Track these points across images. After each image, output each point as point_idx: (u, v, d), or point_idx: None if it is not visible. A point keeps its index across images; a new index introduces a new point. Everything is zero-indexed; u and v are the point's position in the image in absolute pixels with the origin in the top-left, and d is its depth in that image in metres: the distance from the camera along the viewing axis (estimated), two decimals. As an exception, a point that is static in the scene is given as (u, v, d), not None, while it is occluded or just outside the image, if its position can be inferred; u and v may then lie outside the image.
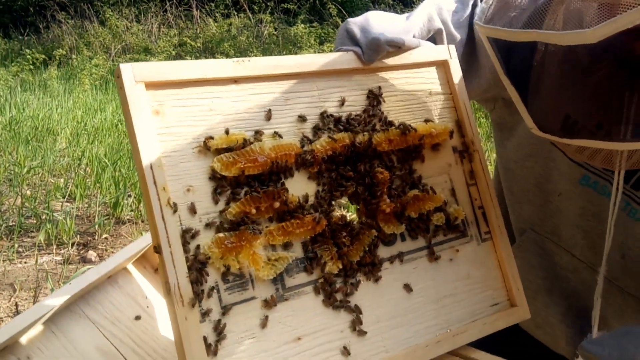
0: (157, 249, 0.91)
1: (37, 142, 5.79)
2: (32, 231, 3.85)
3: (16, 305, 2.99)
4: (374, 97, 1.15)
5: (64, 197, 4.40)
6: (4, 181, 4.74)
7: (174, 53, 10.73)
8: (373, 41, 1.11)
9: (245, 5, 11.86)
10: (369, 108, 1.14)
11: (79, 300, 1.26)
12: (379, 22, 1.15)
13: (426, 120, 1.20)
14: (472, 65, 1.35)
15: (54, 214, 3.90)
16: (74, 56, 10.65)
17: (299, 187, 1.05)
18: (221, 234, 0.95)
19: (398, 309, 1.10)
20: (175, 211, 0.93)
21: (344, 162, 1.09)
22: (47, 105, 7.65)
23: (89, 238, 3.81)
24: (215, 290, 0.94)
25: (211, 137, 0.98)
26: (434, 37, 1.27)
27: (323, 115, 1.09)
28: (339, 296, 1.04)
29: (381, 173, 1.11)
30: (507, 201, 1.50)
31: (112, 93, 8.61)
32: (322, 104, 1.10)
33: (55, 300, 1.19)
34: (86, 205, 4.28)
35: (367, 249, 1.08)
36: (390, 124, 1.15)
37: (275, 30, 11.56)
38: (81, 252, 3.63)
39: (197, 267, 0.92)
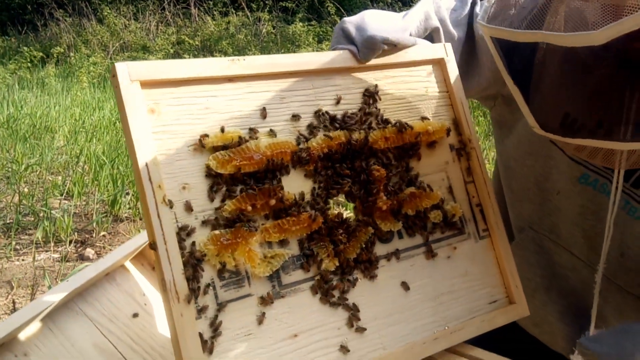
0: (153, 245, 0.91)
1: (35, 140, 5.78)
2: (30, 229, 3.85)
3: (13, 302, 2.98)
4: (370, 96, 1.15)
5: (61, 195, 4.40)
6: (1, 179, 4.74)
7: (172, 51, 10.72)
8: (368, 40, 1.11)
9: (243, 4, 11.85)
10: (364, 106, 1.14)
11: (76, 297, 1.26)
12: (375, 21, 1.15)
13: (422, 118, 1.20)
14: (472, 63, 1.35)
15: (52, 211, 3.90)
16: (71, 54, 10.64)
17: (296, 184, 1.05)
18: (217, 231, 0.96)
19: (395, 306, 1.10)
20: (171, 207, 0.93)
21: (340, 159, 1.09)
22: (45, 103, 7.64)
23: (87, 236, 3.80)
24: (211, 287, 0.94)
25: (206, 135, 0.98)
26: (431, 36, 1.27)
27: (318, 114, 1.09)
28: (335, 293, 1.05)
29: (377, 170, 1.11)
30: (506, 199, 1.50)
31: (110, 91, 8.59)
32: (318, 102, 1.10)
33: (52, 298, 1.20)
34: (84, 203, 4.27)
35: (363, 246, 1.09)
36: (387, 121, 1.15)
37: (274, 29, 11.56)
38: (79, 249, 3.63)
39: (193, 263, 0.93)
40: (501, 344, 1.25)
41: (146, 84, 0.95)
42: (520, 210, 1.47)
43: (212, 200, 0.97)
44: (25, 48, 10.48)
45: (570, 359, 1.35)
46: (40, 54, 10.43)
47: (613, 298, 1.36)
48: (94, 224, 3.87)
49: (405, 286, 1.12)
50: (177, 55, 10.47)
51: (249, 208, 0.98)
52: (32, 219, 3.97)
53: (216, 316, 0.93)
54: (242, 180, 1.00)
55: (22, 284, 3.18)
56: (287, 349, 0.98)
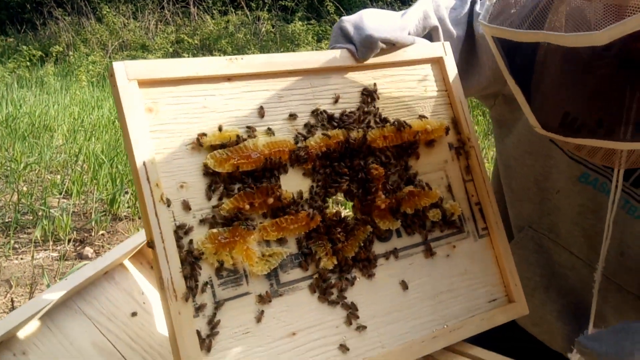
0: (151, 244, 0.91)
1: (34, 139, 5.78)
2: (29, 227, 3.85)
3: (12, 301, 2.99)
4: (368, 94, 1.15)
5: (60, 194, 4.40)
6: (0, 177, 4.74)
7: (171, 50, 10.72)
8: (367, 39, 1.11)
9: (242, 3, 11.85)
10: (363, 105, 1.14)
11: (75, 296, 1.26)
12: (373, 20, 1.15)
13: (421, 117, 1.20)
14: (471, 62, 1.35)
15: (51, 210, 3.90)
16: (70, 53, 10.63)
17: (294, 183, 1.05)
18: (215, 230, 0.96)
19: (394, 305, 1.10)
20: (168, 206, 0.93)
21: (339, 158, 1.09)
22: (44, 101, 7.64)
23: (86, 234, 3.80)
24: (209, 286, 0.94)
25: (204, 134, 0.98)
26: (430, 35, 1.27)
27: (316, 113, 1.09)
28: (334, 292, 1.05)
29: (376, 169, 1.11)
30: (506, 198, 1.50)
31: (109, 90, 8.55)
32: (316, 101, 1.10)
33: (51, 296, 1.20)
34: (83, 202, 4.27)
35: (362, 244, 1.08)
36: (385, 120, 1.15)
37: (273, 28, 11.56)
38: (77, 248, 3.63)
39: (191, 261, 0.93)
40: (500, 342, 1.25)
41: (144, 83, 0.95)
42: (519, 210, 1.47)
43: (209, 199, 0.97)
44: (24, 47, 10.48)
45: (569, 358, 1.35)
46: (39, 52, 10.43)
47: (612, 297, 1.36)
48: (93, 223, 3.87)
49: (404, 285, 1.12)
50: (176, 54, 10.47)
51: (247, 207, 0.98)
52: (31, 217, 3.97)
53: (214, 314, 0.93)
54: (240, 179, 1.00)
55: (20, 283, 3.18)
56: (285, 348, 0.98)
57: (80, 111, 7.22)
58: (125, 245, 1.30)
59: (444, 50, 1.24)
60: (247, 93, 1.04)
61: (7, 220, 3.89)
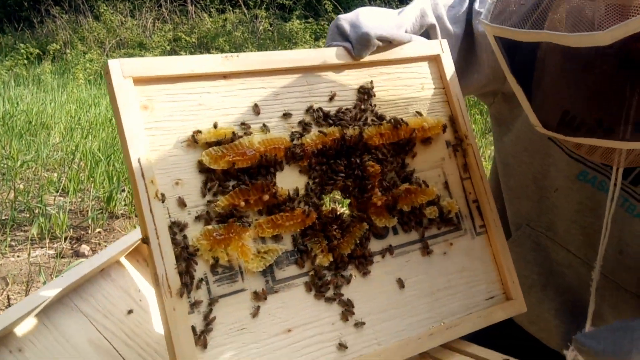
0: (146, 240, 0.91)
1: (31, 137, 5.78)
2: (25, 225, 3.84)
3: (8, 298, 2.98)
4: (365, 92, 1.15)
5: (57, 192, 4.39)
6: (-3, 175, 4.73)
7: (168, 48, 10.70)
8: (363, 36, 1.11)
9: (240, 1, 11.84)
10: (359, 103, 1.14)
11: (71, 293, 1.26)
12: (370, 18, 1.15)
13: (418, 114, 1.20)
14: (470, 60, 1.35)
15: (47, 208, 3.90)
16: (68, 51, 10.61)
17: (290, 180, 1.05)
18: (210, 226, 0.96)
19: (390, 302, 1.10)
20: (163, 201, 0.93)
21: (335, 156, 1.09)
22: (41, 99, 7.63)
23: (82, 232, 3.80)
24: (204, 282, 0.94)
25: (199, 131, 0.98)
26: (428, 33, 1.27)
27: (311, 110, 1.09)
28: (329, 289, 1.04)
29: (372, 166, 1.11)
30: (504, 196, 1.50)
31: (106, 88, 8.57)
32: (312, 99, 1.10)
33: (47, 293, 1.19)
34: (79, 200, 4.27)
35: (358, 242, 1.08)
36: (382, 118, 1.15)
37: (271, 26, 11.55)
38: (74, 246, 3.62)
39: (186, 257, 0.93)
40: (497, 340, 1.25)
41: (139, 81, 0.96)
42: (517, 208, 1.47)
43: (204, 195, 0.97)
44: (22, 45, 10.45)
45: (565, 355, 1.35)
46: (37, 50, 10.41)
47: (610, 295, 1.36)
48: (90, 221, 3.86)
49: (400, 282, 1.12)
50: (173, 53, 10.46)
51: (242, 203, 0.98)
52: (28, 215, 3.97)
53: (209, 311, 0.93)
54: (236, 176, 1.00)
55: (17, 280, 3.18)
56: (280, 344, 0.98)
57: (77, 109, 7.21)
58: (122, 242, 1.30)
59: (441, 47, 1.24)
60: (243, 90, 1.04)
61: (3, 218, 3.89)
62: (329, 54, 1.12)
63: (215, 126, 1.00)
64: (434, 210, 1.17)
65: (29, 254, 3.42)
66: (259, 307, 0.98)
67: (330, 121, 1.10)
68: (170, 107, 0.98)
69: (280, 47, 10.43)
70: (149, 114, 0.96)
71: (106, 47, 10.69)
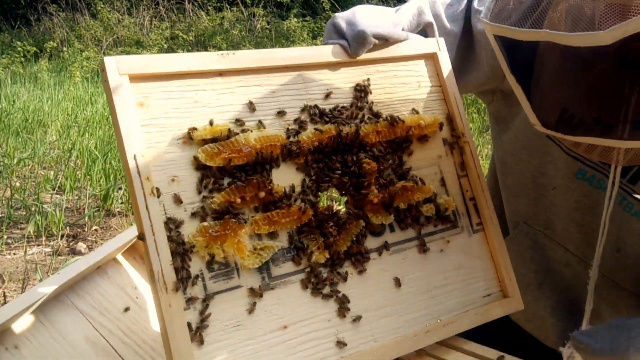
0: (141, 236, 0.91)
1: (27, 134, 5.76)
2: (22, 223, 3.84)
3: (4, 296, 2.98)
4: (361, 90, 1.15)
5: (53, 189, 4.38)
6: (-7, 173, 4.72)
7: (165, 46, 10.68)
8: (359, 34, 1.11)
9: (238, -1, 11.83)
10: (355, 101, 1.14)
11: (67, 290, 1.25)
12: (366, 16, 1.15)
13: (414, 112, 1.20)
14: (469, 58, 1.35)
15: (44, 205, 3.89)
16: (65, 49, 10.59)
17: (286, 177, 1.05)
18: (206, 223, 0.96)
19: (387, 299, 1.10)
20: (158, 196, 0.93)
21: (331, 153, 1.09)
22: (38, 97, 7.61)
23: (79, 230, 3.79)
24: (199, 279, 0.94)
25: (195, 128, 0.98)
26: (425, 31, 1.27)
27: (307, 108, 1.09)
28: (326, 285, 1.05)
29: (368, 164, 1.11)
30: (502, 194, 1.50)
31: (103, 86, 8.55)
32: (308, 96, 1.10)
33: (43, 290, 1.19)
34: (76, 198, 4.26)
35: (354, 239, 1.09)
36: (378, 115, 1.15)
37: (268, 24, 11.53)
38: (70, 243, 3.62)
39: (181, 253, 0.93)
40: (494, 337, 1.25)
41: (135, 78, 0.96)
42: (515, 206, 1.48)
43: (200, 192, 0.97)
44: (19, 43, 10.43)
45: (561, 352, 1.36)
46: (34, 48, 10.38)
47: (607, 294, 1.36)
48: (86, 219, 3.86)
49: (397, 279, 1.12)
50: (171, 51, 10.44)
51: (238, 200, 0.99)
52: (24, 213, 3.96)
53: (205, 307, 0.94)
54: (232, 172, 1.00)
55: (13, 278, 3.17)
56: (276, 341, 0.98)
57: (74, 107, 7.19)
58: (118, 239, 1.30)
59: (438, 46, 1.24)
60: (239, 88, 1.04)
61: (0, 216, 3.88)
62: (325, 52, 1.12)
63: (211, 123, 1.00)
64: (431, 208, 1.18)
65: (25, 252, 3.42)
66: (255, 303, 0.98)
67: (326, 119, 1.10)
68: (166, 104, 0.98)
69: (277, 45, 10.41)
70: (145, 111, 0.96)
71: (103, 45, 10.67)
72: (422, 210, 1.17)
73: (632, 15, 0.82)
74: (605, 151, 1.04)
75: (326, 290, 1.04)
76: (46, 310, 1.22)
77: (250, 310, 0.97)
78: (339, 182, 1.10)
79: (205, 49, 10.35)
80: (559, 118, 1.02)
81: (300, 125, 1.08)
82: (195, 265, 0.94)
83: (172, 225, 0.94)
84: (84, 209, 4.07)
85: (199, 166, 0.98)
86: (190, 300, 0.93)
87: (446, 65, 1.24)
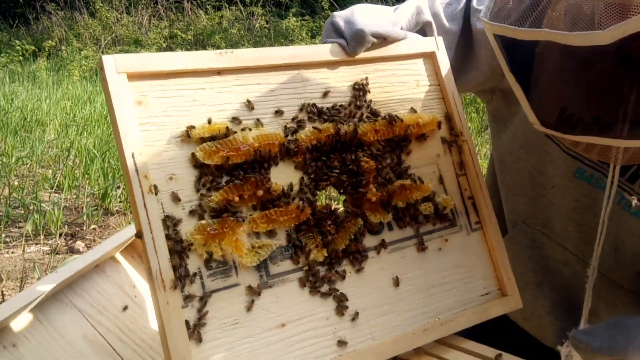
0: (139, 234, 0.91)
1: (26, 133, 5.76)
2: (20, 221, 3.84)
3: (2, 294, 2.97)
4: (360, 89, 1.15)
5: (52, 188, 4.38)
6: (-9, 171, 4.72)
7: (164, 45, 10.69)
8: (357, 33, 1.11)
9: (236, -2, 11.82)
10: (353, 100, 1.14)
11: (66, 289, 1.25)
12: (365, 15, 1.15)
13: (413, 111, 1.20)
14: (468, 57, 1.35)
15: (42, 204, 3.89)
16: (63, 48, 10.59)
17: (284, 176, 1.05)
18: (204, 221, 0.96)
19: (385, 297, 1.10)
20: (156, 194, 0.93)
21: (329, 151, 1.09)
22: (36, 96, 7.61)
23: (77, 229, 3.79)
24: (197, 277, 0.94)
25: (193, 127, 0.98)
26: (424, 30, 1.27)
27: (305, 106, 1.09)
28: (324, 283, 1.05)
29: (366, 162, 1.11)
30: (501, 193, 1.50)
31: (101, 84, 8.55)
32: (306, 95, 1.10)
33: (42, 288, 1.19)
34: (74, 196, 4.26)
35: (352, 237, 1.09)
36: (376, 114, 1.15)
37: (267, 24, 11.53)
38: (69, 242, 3.62)
39: (179, 251, 0.93)
40: (493, 336, 1.25)
41: (133, 77, 0.96)
42: (514, 205, 1.48)
43: (198, 190, 0.97)
44: (17, 41, 10.43)
45: (559, 351, 1.36)
46: (32, 47, 10.38)
47: (606, 293, 1.36)
48: (84, 217, 3.86)
49: (395, 278, 1.12)
50: (169, 50, 10.44)
51: (236, 199, 0.98)
52: (22, 211, 3.96)
53: (203, 305, 0.93)
54: (230, 171, 1.00)
55: (11, 277, 3.17)
56: (274, 339, 0.98)
57: (73, 106, 7.19)
58: (117, 238, 1.30)
59: (437, 45, 1.24)
60: (237, 87, 1.04)
61: (-2, 214, 3.88)
62: (324, 51, 1.12)
63: (209, 122, 1.00)
64: (429, 207, 1.18)
65: (23, 250, 3.41)
66: (253, 301, 0.98)
67: (325, 117, 1.10)
68: (164, 102, 0.98)
69: (276, 44, 10.41)
70: (143, 109, 0.96)
71: (102, 44, 10.67)
72: (420, 209, 1.17)
73: (632, 14, 0.82)
74: (604, 150, 1.04)
75: (324, 288, 1.04)
76: (44, 309, 1.22)
77: (249, 308, 0.97)
78: (337, 181, 1.10)
79: (204, 48, 10.34)
80: (558, 117, 1.02)
81: (299, 123, 1.08)
82: (193, 263, 0.94)
83: (170, 223, 0.94)
84: (82, 207, 4.07)
85: (197, 164, 0.98)
86: (188, 298, 0.93)
87: (445, 64, 1.24)
